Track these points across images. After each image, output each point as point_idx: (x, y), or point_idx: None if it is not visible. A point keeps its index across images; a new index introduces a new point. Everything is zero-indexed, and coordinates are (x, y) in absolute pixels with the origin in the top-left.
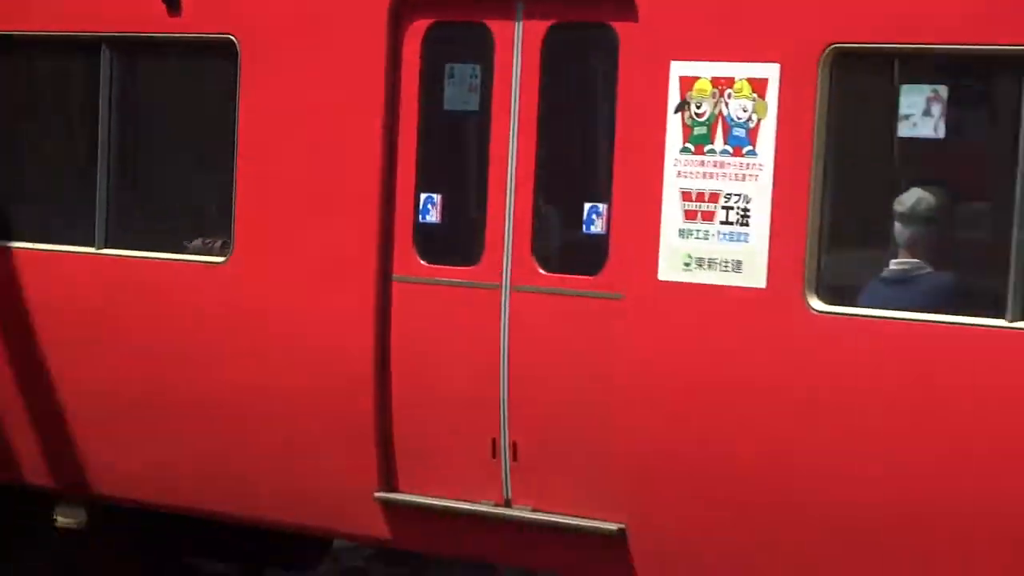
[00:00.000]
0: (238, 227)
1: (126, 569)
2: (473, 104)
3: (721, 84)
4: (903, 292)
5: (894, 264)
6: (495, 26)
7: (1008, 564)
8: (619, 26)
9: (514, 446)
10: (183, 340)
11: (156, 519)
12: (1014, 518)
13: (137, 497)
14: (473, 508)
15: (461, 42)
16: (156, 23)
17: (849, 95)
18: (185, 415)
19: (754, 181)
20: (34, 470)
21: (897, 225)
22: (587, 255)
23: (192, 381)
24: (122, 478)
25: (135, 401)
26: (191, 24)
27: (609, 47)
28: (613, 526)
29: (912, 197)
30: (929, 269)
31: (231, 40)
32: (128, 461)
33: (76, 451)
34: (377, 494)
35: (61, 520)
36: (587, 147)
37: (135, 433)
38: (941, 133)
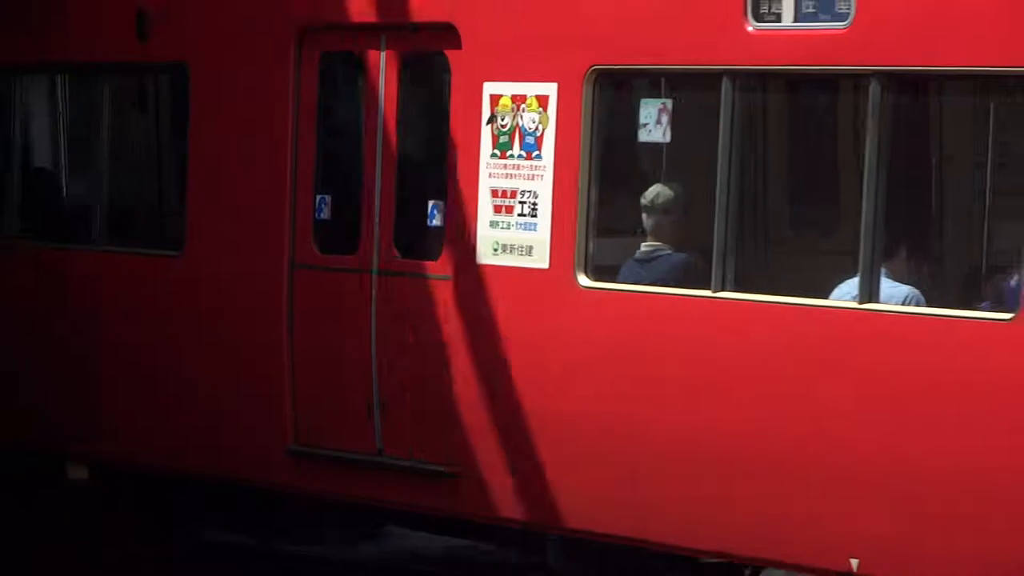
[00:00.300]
0: (189, 224)
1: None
2: (353, 120)
3: (518, 100)
4: (649, 270)
5: (643, 247)
6: (367, 56)
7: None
8: (450, 53)
9: (383, 405)
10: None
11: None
12: (708, 442)
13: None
14: (354, 457)
15: (345, 68)
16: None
17: (606, 107)
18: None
19: (540, 180)
20: None
21: (643, 215)
22: (431, 244)
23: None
24: None
25: None
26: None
27: (445, 71)
28: (449, 469)
29: (653, 192)
30: (669, 251)
31: (184, 64)
32: None
33: None
34: (289, 447)
35: (71, 474)
36: (431, 154)
37: None
38: (668, 138)
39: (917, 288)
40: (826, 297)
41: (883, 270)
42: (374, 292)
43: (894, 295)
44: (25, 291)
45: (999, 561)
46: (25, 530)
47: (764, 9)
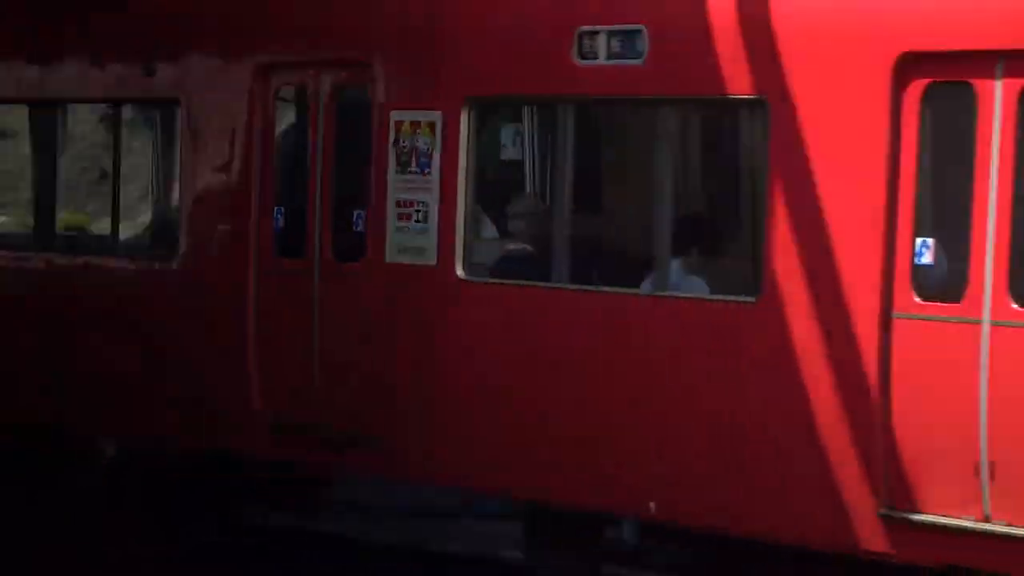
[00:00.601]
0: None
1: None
2: (304, 144)
3: (415, 126)
4: (517, 266)
5: (510, 246)
6: (309, 88)
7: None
8: (370, 86)
9: (324, 379)
10: None
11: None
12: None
13: None
14: (305, 425)
15: (296, 100)
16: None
17: (480, 131)
18: None
19: (430, 192)
20: None
21: (510, 221)
22: (356, 247)
23: None
24: None
25: None
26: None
27: (367, 101)
28: (370, 435)
29: (515, 200)
30: (530, 249)
31: (177, 98)
32: None
33: None
34: (269, 420)
35: (106, 450)
36: (358, 171)
37: None
38: (522, 156)
39: (705, 278)
40: (638, 286)
41: (679, 263)
42: (315, 291)
43: (685, 284)
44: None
45: (748, 497)
46: (26, 529)
47: (586, 49)
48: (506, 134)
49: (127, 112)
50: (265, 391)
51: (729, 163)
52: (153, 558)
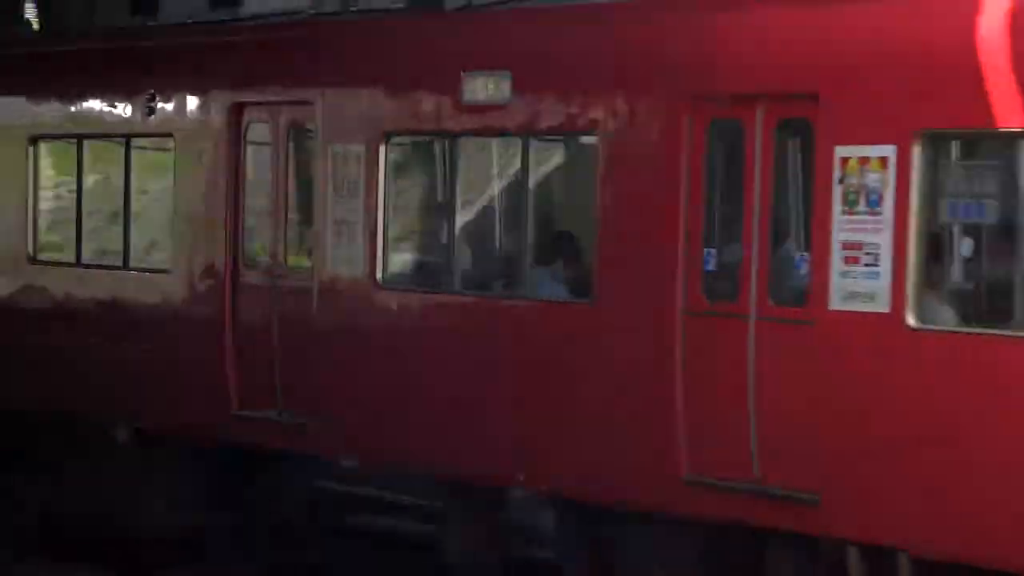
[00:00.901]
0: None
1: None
2: (265, 170)
3: (350, 155)
4: (425, 275)
5: (428, 258)
6: (273, 120)
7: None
8: (320, 122)
9: (282, 377)
10: None
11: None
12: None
13: None
14: (265, 416)
15: (262, 132)
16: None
17: (398, 163)
18: None
19: (357, 213)
20: None
21: (423, 236)
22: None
23: None
24: None
25: None
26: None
27: (312, 135)
28: (301, 420)
29: (426, 219)
30: (436, 260)
31: (172, 135)
32: None
33: None
34: (234, 412)
35: (119, 437)
36: (311, 195)
37: None
38: (429, 183)
39: (569, 285)
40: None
41: (545, 272)
42: (276, 292)
43: (548, 290)
44: None
45: (585, 468)
46: (26, 524)
47: (468, 96)
48: (419, 163)
49: None
50: (244, 386)
51: (576, 188)
52: (153, 559)
